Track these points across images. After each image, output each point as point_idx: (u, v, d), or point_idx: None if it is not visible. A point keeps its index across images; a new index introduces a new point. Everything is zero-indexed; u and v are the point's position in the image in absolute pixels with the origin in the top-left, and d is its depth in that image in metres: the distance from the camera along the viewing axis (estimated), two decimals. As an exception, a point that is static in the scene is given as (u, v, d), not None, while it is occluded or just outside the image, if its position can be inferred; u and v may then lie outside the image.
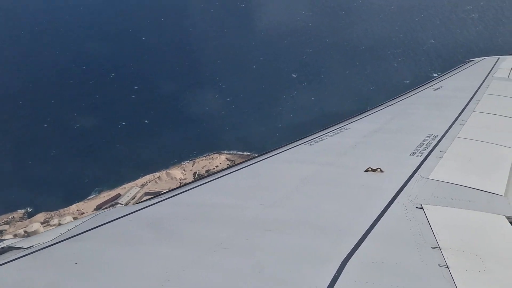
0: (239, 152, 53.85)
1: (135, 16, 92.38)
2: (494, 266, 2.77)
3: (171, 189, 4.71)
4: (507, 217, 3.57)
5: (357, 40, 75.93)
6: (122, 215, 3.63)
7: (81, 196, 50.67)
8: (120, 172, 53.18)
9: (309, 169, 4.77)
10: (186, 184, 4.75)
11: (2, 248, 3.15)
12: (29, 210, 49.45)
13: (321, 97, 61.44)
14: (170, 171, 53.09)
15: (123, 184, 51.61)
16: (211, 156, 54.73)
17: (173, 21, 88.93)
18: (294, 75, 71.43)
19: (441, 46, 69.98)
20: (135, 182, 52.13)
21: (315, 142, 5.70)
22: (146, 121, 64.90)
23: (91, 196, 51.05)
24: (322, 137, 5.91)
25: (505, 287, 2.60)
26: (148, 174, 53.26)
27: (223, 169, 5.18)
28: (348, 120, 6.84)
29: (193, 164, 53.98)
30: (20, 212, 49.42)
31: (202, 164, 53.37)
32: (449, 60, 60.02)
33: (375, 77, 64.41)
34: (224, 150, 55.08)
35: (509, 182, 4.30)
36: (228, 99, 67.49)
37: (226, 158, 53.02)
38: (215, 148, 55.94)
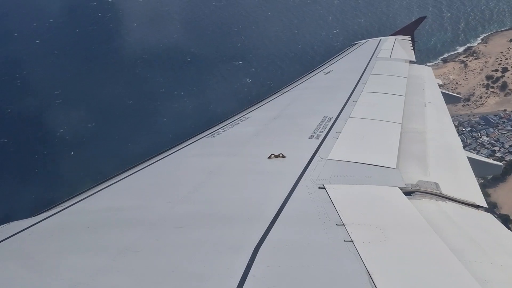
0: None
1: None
2: (393, 234, 3.21)
3: (70, 197, 4.62)
4: (400, 188, 4.14)
5: (292, 25, 78.48)
6: (19, 230, 3.61)
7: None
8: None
9: (214, 161, 5.13)
10: (85, 190, 4.74)
11: None
12: None
13: (277, 81, 61.20)
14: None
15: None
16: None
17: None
18: (239, 63, 70.48)
19: (369, 24, 76.98)
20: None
21: (218, 134, 6.10)
22: (89, 125, 58.14)
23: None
24: (224, 128, 6.31)
25: (402, 251, 3.07)
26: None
27: (122, 171, 5.19)
28: (248, 109, 7.38)
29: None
30: None
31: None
32: (379, 35, 68.90)
33: (325, 54, 67.35)
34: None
35: (399, 154, 4.95)
36: (175, 92, 64.86)
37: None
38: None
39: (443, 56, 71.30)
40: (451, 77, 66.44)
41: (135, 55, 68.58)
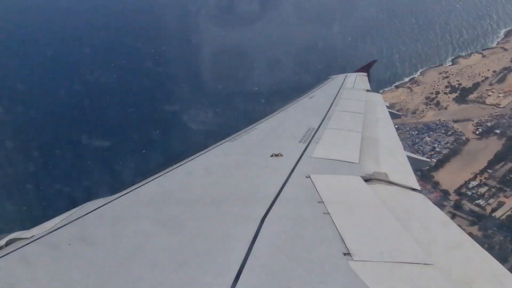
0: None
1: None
2: (356, 208, 3.46)
3: (138, 181, 4.70)
4: (361, 176, 4.28)
5: (290, 64, 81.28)
6: (101, 205, 3.68)
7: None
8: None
9: (233, 159, 5.24)
10: (145, 178, 4.74)
11: (10, 240, 3.15)
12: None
13: (285, 101, 58.98)
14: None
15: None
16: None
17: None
18: (255, 89, 72.77)
19: (345, 62, 78.48)
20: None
21: (235, 139, 6.12)
22: (154, 132, 60.14)
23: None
24: (240, 135, 6.35)
25: (363, 220, 3.27)
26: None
27: (171, 165, 5.21)
28: (256, 123, 7.51)
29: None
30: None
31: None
32: (350, 70, 71.75)
33: (315, 83, 68.76)
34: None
35: (360, 154, 5.12)
36: (217, 109, 65.61)
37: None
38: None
39: (395, 84, 74.81)
40: (402, 98, 69.80)
41: (186, 87, 70.68)
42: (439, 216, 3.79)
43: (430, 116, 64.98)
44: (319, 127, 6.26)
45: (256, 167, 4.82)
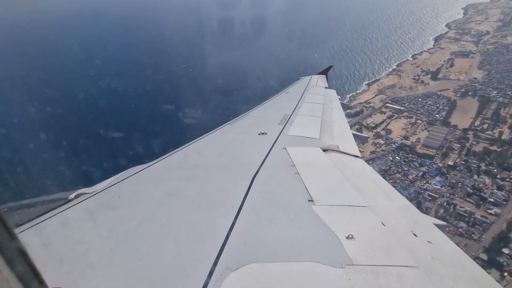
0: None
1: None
2: (317, 169, 4.16)
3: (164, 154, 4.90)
4: (321, 148, 5.02)
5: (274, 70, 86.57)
6: (138, 171, 4.08)
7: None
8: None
9: (232, 137, 5.91)
10: (168, 153, 4.95)
11: (77, 194, 3.70)
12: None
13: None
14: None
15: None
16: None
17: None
18: (258, 85, 75.30)
19: (312, 70, 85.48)
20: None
21: (233, 123, 6.79)
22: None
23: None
24: (237, 120, 7.01)
25: (321, 176, 3.89)
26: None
27: (189, 141, 5.50)
28: (247, 112, 7.96)
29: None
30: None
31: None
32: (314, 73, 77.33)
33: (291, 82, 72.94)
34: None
35: (320, 132, 5.92)
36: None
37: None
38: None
39: (385, 72, 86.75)
40: (396, 80, 79.54)
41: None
42: (373, 174, 4.52)
43: (421, 89, 75.26)
44: (292, 113, 6.99)
45: (249, 142, 5.43)
